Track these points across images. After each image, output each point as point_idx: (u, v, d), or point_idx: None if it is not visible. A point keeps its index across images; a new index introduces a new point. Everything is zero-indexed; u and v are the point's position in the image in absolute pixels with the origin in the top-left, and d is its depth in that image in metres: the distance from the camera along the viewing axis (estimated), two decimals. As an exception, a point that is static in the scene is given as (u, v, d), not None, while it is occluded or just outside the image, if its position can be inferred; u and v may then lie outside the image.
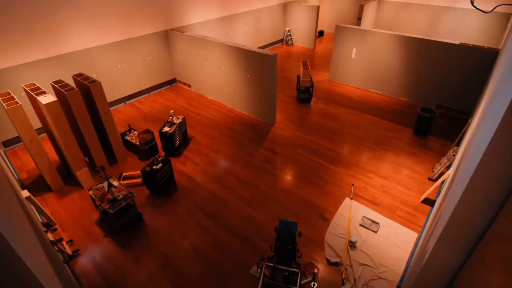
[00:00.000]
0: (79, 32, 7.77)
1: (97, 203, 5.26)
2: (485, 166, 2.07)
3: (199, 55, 9.25)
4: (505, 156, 1.95)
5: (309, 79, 9.37)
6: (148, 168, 5.75)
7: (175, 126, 6.97)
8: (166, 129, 6.86)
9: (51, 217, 5.38)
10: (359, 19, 15.22)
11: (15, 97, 5.47)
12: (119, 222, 5.18)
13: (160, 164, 5.84)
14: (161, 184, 5.90)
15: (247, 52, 7.82)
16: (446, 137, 7.58)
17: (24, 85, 5.86)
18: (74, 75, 6.38)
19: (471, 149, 3.08)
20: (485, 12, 6.89)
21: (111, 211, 4.88)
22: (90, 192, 5.16)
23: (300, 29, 14.54)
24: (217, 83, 9.28)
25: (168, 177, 6.09)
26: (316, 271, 4.56)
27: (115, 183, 5.38)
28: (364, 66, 9.95)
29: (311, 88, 9.50)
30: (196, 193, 6.10)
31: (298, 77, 10.01)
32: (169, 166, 6.06)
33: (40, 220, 5.36)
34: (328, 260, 4.72)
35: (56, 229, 5.32)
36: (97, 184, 5.35)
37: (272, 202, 5.84)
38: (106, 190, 5.21)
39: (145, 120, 8.64)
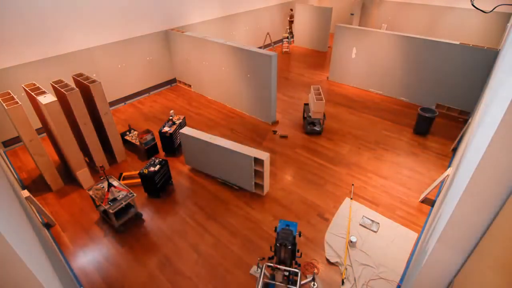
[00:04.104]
0: (79, 32, 7.77)
1: (97, 203, 5.26)
2: (485, 166, 2.07)
3: (199, 55, 9.25)
4: (505, 156, 1.95)
5: (322, 111, 7.90)
6: (146, 171, 5.73)
7: (175, 126, 6.97)
8: (166, 129, 6.86)
9: (51, 217, 5.38)
10: (352, 14, 15.40)
11: (15, 97, 5.47)
12: (119, 222, 5.18)
13: (158, 166, 5.83)
14: (158, 186, 5.86)
15: (247, 52, 7.82)
16: (446, 137, 7.58)
17: (24, 85, 5.86)
18: (74, 75, 6.38)
19: (471, 149, 3.08)
20: (485, 12, 6.89)
21: (111, 211, 4.88)
22: (90, 192, 5.16)
23: (307, 29, 14.30)
24: (217, 83, 9.28)
25: (165, 178, 6.07)
26: (316, 271, 4.56)
27: (115, 183, 5.38)
28: (364, 66, 9.95)
29: (322, 120, 7.95)
30: (196, 193, 6.10)
31: (306, 105, 8.56)
32: (166, 167, 6.05)
33: (40, 220, 5.36)
34: (328, 260, 4.72)
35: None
36: (97, 184, 5.36)
37: (272, 202, 5.84)
38: (106, 190, 5.21)
39: (145, 120, 8.64)
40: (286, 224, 4.28)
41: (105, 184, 5.30)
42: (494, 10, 11.56)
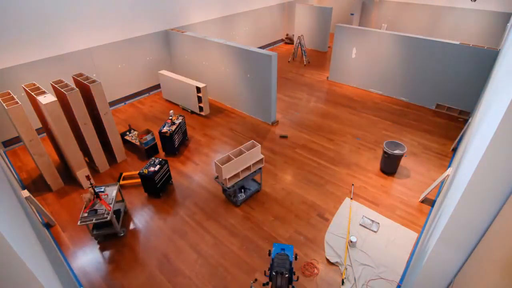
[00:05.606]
0: (79, 32, 7.77)
1: (83, 206, 5.05)
2: (485, 166, 2.07)
3: (199, 55, 9.25)
4: (505, 156, 1.95)
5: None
6: (146, 171, 5.72)
7: (175, 126, 6.97)
8: (166, 129, 6.86)
9: (51, 217, 5.38)
10: (352, 14, 15.40)
11: (15, 97, 5.47)
12: (98, 232, 5.01)
13: (158, 166, 5.82)
14: (158, 186, 5.85)
15: (247, 52, 7.82)
16: (446, 137, 7.58)
17: (24, 85, 5.86)
18: (74, 75, 6.38)
19: (471, 149, 3.08)
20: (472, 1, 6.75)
21: (79, 222, 4.67)
22: (82, 194, 5.02)
23: (307, 29, 14.25)
24: (217, 83, 9.28)
25: (165, 178, 6.06)
26: (316, 271, 4.56)
27: (106, 196, 5.12)
28: (364, 66, 9.95)
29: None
30: (196, 193, 6.10)
31: None
32: (166, 167, 6.04)
33: (40, 220, 5.36)
34: (328, 260, 4.72)
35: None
36: (94, 187, 5.18)
37: (272, 202, 5.84)
38: (92, 198, 5.01)
39: (145, 120, 8.64)
40: (281, 248, 3.95)
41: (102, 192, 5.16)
42: (494, 10, 11.58)
